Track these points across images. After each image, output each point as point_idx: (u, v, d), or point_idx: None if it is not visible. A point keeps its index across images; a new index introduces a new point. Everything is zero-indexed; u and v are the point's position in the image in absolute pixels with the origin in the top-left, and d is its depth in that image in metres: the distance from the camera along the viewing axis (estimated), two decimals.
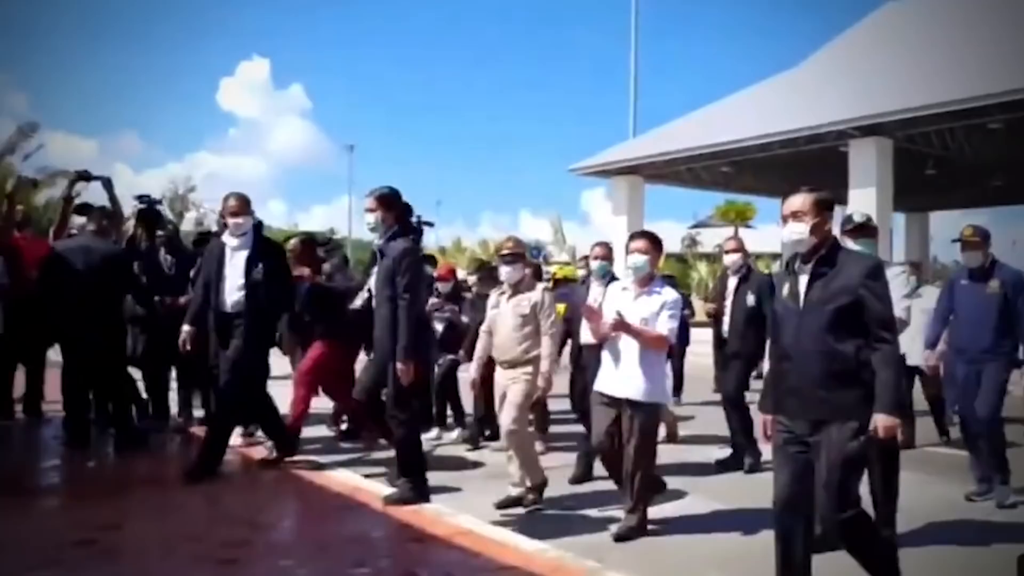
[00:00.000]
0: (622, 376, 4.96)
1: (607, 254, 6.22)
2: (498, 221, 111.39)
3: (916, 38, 18.58)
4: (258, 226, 6.01)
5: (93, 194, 7.23)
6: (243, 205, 5.86)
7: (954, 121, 14.74)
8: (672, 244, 45.44)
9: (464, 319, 7.91)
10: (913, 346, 6.32)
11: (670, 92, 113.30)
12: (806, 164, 18.46)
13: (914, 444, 7.29)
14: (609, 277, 6.06)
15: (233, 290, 5.75)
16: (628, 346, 4.97)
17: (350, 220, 60.44)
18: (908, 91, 15.16)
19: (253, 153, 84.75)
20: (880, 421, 3.37)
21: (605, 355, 5.14)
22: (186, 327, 5.92)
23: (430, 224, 6.79)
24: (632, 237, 5.24)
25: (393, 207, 5.42)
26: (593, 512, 5.41)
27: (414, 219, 6.91)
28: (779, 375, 3.65)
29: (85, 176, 6.53)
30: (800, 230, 3.55)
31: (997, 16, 17.22)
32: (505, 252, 5.70)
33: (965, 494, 5.72)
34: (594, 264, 6.23)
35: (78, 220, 6.86)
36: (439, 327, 7.89)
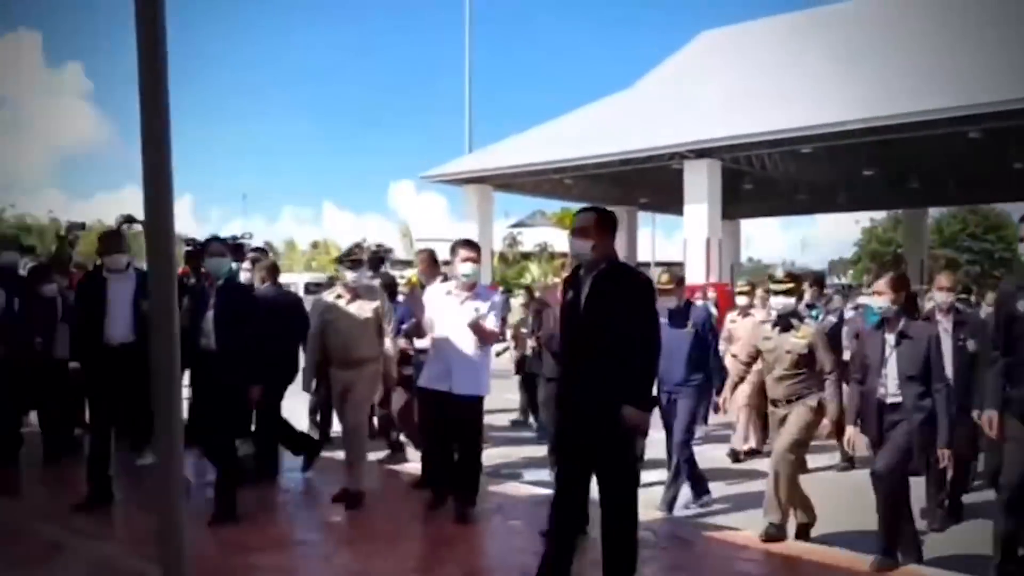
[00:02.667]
0: (452, 374, 5.32)
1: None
2: (300, 215, 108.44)
3: (732, 66, 20.75)
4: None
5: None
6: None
7: (775, 148, 16.83)
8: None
9: None
10: None
11: (492, 103, 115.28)
12: (641, 177, 20.37)
13: None
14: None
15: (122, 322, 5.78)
16: (456, 345, 5.32)
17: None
18: (734, 118, 17.09)
19: (23, 136, 77.99)
20: (629, 412, 3.85)
21: (433, 353, 5.48)
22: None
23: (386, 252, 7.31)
24: (460, 246, 5.47)
25: None
26: None
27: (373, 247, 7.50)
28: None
29: (131, 219, 6.75)
30: (584, 246, 4.03)
31: (796, 51, 19.70)
32: (354, 259, 6.05)
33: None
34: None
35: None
36: None
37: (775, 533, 4.99)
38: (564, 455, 4.20)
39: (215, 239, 5.94)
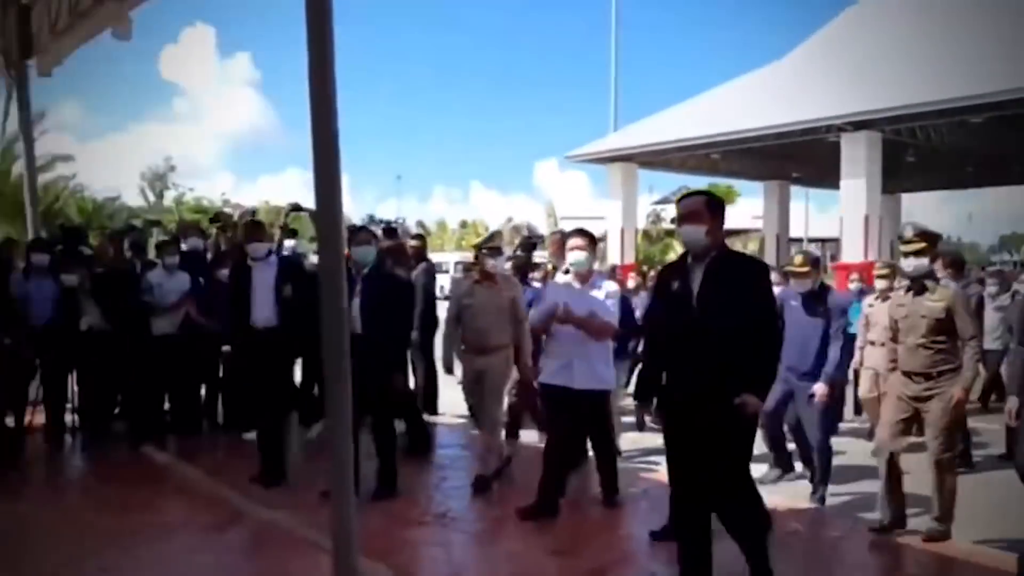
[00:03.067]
0: (572, 368, 5.16)
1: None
2: (451, 194, 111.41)
3: (894, 32, 19.60)
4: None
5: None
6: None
7: (942, 118, 15.85)
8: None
9: None
10: None
11: (636, 80, 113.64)
12: (793, 150, 19.68)
13: None
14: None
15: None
16: (575, 338, 5.14)
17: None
18: (896, 88, 16.18)
19: (199, 124, 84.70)
20: (748, 398, 3.64)
21: (555, 347, 5.30)
22: None
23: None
24: (571, 235, 5.36)
25: None
26: None
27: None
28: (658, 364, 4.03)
29: (298, 207, 7.24)
30: (698, 232, 3.79)
31: (965, 14, 18.38)
32: (493, 246, 6.08)
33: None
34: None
35: (288, 243, 7.64)
36: None
37: (938, 534, 4.74)
38: (677, 456, 3.91)
39: (362, 228, 6.12)
